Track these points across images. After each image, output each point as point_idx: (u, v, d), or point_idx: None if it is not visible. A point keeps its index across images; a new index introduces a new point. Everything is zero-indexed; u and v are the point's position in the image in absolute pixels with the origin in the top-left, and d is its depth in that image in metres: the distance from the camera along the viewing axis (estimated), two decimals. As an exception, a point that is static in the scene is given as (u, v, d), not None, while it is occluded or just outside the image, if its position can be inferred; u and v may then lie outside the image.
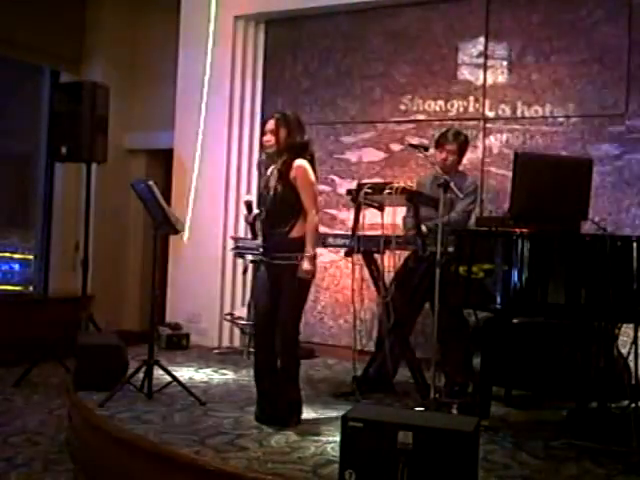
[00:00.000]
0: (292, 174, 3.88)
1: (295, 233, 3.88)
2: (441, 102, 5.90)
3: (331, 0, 6.15)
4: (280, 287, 3.92)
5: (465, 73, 5.85)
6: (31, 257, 7.40)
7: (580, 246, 3.71)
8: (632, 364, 3.86)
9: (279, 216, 3.91)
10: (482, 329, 4.14)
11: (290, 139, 3.93)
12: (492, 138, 5.71)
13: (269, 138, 3.96)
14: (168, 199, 6.10)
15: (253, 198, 4.93)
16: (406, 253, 4.75)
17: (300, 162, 3.90)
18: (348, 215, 4.86)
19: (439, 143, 4.94)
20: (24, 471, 3.74)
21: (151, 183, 4.43)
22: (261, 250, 4.13)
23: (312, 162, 3.99)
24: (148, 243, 6.38)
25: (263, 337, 4.03)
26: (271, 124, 3.97)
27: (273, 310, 3.95)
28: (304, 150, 3.96)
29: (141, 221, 7.24)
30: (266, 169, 4.09)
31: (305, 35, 6.48)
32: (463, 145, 4.95)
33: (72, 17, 7.24)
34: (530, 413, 4.35)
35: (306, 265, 3.83)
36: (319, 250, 4.23)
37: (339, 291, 6.14)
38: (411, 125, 5.99)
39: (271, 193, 3.92)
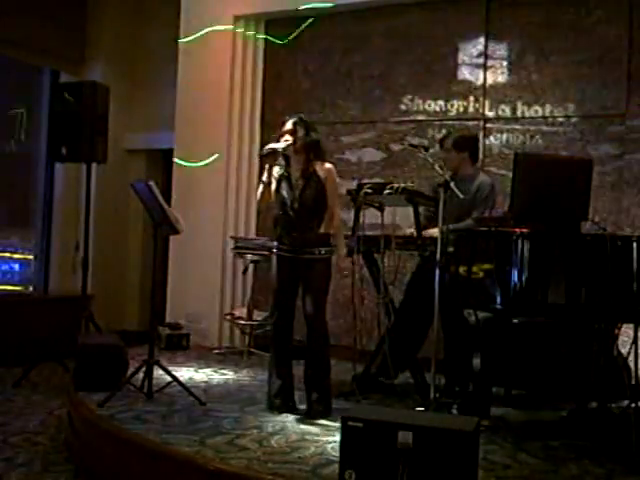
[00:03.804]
0: (323, 175, 4.11)
1: (322, 229, 4.12)
2: (441, 102, 5.91)
3: (331, 0, 6.15)
4: (307, 280, 4.10)
5: (465, 73, 5.85)
6: (31, 257, 7.40)
7: (580, 246, 3.71)
8: (632, 364, 3.85)
9: (310, 214, 4.09)
10: (482, 329, 4.14)
11: (308, 138, 4.13)
12: (492, 138, 5.71)
13: (288, 138, 4.13)
14: (168, 199, 6.10)
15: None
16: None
17: (330, 166, 4.18)
18: (348, 215, 4.85)
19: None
20: (24, 471, 3.74)
21: (151, 183, 4.43)
22: (281, 246, 4.15)
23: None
24: (148, 243, 6.39)
25: (286, 332, 4.21)
26: (289, 125, 4.16)
27: (294, 306, 4.18)
28: (319, 148, 4.18)
29: (141, 221, 7.24)
30: (288, 169, 4.18)
31: (305, 35, 6.47)
32: (456, 144, 4.73)
33: (72, 17, 7.23)
34: (530, 413, 4.34)
35: (341, 251, 4.20)
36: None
37: (339, 291, 6.13)
38: (411, 125, 5.99)
39: (298, 192, 4.09)
